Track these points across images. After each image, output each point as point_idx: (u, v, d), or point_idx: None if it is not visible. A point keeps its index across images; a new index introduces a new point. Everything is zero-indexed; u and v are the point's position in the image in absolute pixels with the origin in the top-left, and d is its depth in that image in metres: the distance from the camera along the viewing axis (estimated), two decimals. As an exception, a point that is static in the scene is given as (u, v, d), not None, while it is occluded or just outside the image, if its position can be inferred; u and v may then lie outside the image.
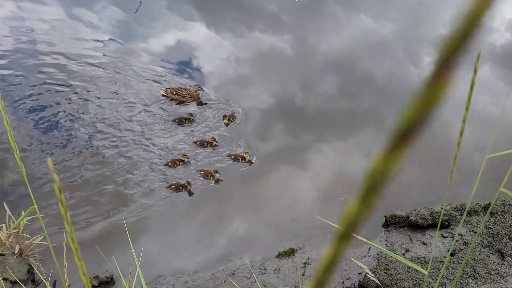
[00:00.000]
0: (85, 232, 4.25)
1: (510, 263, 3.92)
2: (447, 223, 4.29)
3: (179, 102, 6.01)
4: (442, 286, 3.75)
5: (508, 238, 4.06)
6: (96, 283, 3.81)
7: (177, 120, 5.71)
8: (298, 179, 5.03)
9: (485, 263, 3.89)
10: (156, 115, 5.80)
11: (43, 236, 3.63)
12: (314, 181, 5.03)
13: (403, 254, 4.07)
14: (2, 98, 1.31)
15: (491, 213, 4.30)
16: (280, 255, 4.17)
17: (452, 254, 4.04)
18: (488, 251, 4.01)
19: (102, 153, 5.09)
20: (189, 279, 3.96)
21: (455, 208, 4.35)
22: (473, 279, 3.81)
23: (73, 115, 5.55)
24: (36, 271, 3.52)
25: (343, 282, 3.95)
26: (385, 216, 4.42)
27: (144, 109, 5.85)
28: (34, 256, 3.67)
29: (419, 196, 4.85)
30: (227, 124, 5.72)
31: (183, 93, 6.00)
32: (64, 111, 5.58)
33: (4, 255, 3.58)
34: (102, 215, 4.41)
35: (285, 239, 4.32)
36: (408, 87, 7.44)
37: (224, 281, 3.94)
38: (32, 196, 1.70)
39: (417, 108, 0.24)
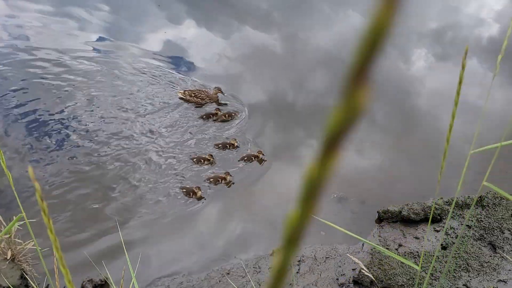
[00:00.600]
0: (80, 234, 4.21)
1: (502, 255, 3.97)
2: (439, 217, 4.33)
3: (198, 105, 5.97)
4: (435, 279, 3.79)
5: (500, 231, 4.11)
6: (90, 287, 3.78)
7: (204, 116, 5.75)
8: (291, 176, 5.04)
9: (477, 256, 3.94)
10: (168, 116, 5.78)
11: (33, 241, 3.59)
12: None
13: (396, 249, 4.10)
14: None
15: (483, 206, 4.34)
16: (274, 254, 4.17)
17: (444, 248, 4.08)
18: (480, 244, 4.06)
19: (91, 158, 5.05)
20: (184, 279, 3.95)
21: (446, 202, 4.39)
22: (465, 272, 3.86)
23: (68, 118, 5.50)
24: (28, 276, 3.48)
25: (337, 279, 3.96)
26: (378, 212, 4.44)
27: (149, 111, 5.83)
28: (27, 261, 3.63)
29: (412, 190, 4.89)
30: (222, 121, 5.74)
31: (202, 95, 5.98)
32: (60, 111, 5.53)
33: (-5, 261, 3.54)
34: (98, 218, 4.38)
35: (279, 237, 4.31)
36: (397, 82, 7.49)
37: (219, 281, 3.94)
38: (18, 201, 1.68)
39: (340, 117, 0.24)
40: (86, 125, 5.43)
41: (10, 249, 3.59)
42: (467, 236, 4.11)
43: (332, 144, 0.26)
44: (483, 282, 3.79)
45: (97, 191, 4.66)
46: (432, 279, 3.78)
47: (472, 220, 4.22)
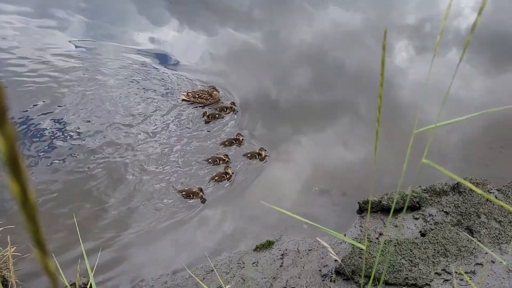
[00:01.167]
0: (69, 235, 4.22)
1: (479, 239, 4.06)
2: (418, 205, 4.41)
3: (203, 105, 6.02)
4: (415, 266, 3.86)
5: (476, 215, 4.20)
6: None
7: (218, 109, 5.82)
8: (273, 170, 5.09)
9: (455, 241, 4.02)
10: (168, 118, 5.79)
11: (15, 247, 3.60)
12: (289, 172, 5.10)
13: (377, 238, 4.17)
14: None
15: (460, 192, 4.43)
16: (257, 248, 4.22)
17: (423, 235, 4.16)
18: (457, 229, 4.14)
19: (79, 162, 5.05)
20: (168, 279, 3.97)
21: (425, 190, 4.48)
22: (444, 257, 3.94)
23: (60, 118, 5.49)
24: (9, 282, 3.48)
25: (320, 270, 4.02)
26: (358, 203, 4.51)
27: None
28: (7, 268, 3.63)
29: (393, 181, 4.96)
30: (207, 122, 5.78)
31: (205, 95, 6.02)
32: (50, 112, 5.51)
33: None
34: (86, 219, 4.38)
35: (262, 232, 4.37)
36: (378, 75, 7.58)
37: (204, 278, 3.97)
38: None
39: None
40: (75, 127, 5.43)
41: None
42: (445, 222, 4.20)
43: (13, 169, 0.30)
44: (461, 266, 3.88)
45: (89, 192, 4.67)
46: (412, 266, 3.85)
47: (449, 206, 4.31)
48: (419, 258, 3.91)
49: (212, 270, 4.05)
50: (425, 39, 8.79)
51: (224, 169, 4.93)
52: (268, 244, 4.25)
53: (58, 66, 6.47)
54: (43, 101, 5.78)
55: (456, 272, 3.86)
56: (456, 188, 4.47)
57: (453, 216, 4.24)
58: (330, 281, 3.92)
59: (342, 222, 4.40)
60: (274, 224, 4.42)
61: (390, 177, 5.03)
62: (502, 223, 4.11)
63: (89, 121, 5.58)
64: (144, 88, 6.31)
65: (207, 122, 5.78)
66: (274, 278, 3.99)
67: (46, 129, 5.37)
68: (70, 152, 5.11)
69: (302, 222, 4.48)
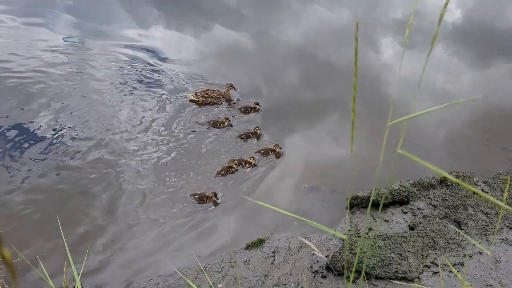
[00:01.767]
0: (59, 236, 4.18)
1: (466, 231, 4.13)
2: (406, 199, 4.46)
3: (211, 104, 6.00)
4: (404, 259, 3.91)
5: (463, 208, 4.26)
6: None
7: (242, 109, 5.85)
8: (262, 168, 5.09)
9: (443, 234, 4.07)
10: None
11: None
12: (279, 170, 5.11)
13: (367, 233, 4.20)
14: None
15: (447, 185, 4.49)
16: (249, 247, 4.23)
17: (412, 228, 4.21)
18: (445, 222, 4.20)
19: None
20: (160, 280, 3.96)
21: (413, 184, 4.53)
22: (433, 250, 3.99)
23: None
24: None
25: (311, 267, 4.05)
26: (347, 199, 4.54)
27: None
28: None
29: (381, 176, 5.01)
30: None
31: (215, 94, 5.99)
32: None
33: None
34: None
35: (253, 230, 4.38)
36: (368, 71, 7.63)
37: (195, 278, 3.97)
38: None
39: None
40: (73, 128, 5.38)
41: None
42: (433, 215, 4.25)
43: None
44: (450, 258, 3.94)
45: (84, 192, 4.62)
46: (401, 259, 3.89)
47: (437, 200, 4.37)
48: (408, 251, 3.96)
49: (204, 270, 4.05)
50: (411, 34, 8.86)
51: (249, 159, 5.01)
52: (259, 242, 4.26)
53: (47, 63, 6.45)
54: (32, 100, 5.71)
55: (445, 265, 3.91)
56: (444, 181, 4.53)
57: (441, 209, 4.29)
58: (321, 277, 3.95)
59: (332, 218, 4.43)
60: (265, 222, 4.44)
61: (379, 172, 5.07)
62: (488, 215, 4.18)
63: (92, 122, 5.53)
64: (147, 89, 6.26)
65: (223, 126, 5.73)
66: (265, 276, 4.01)
67: (39, 129, 5.31)
68: (61, 151, 5.06)
69: (293, 219, 4.51)
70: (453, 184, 4.44)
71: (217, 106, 6.05)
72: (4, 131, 5.27)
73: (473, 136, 5.74)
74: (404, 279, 3.82)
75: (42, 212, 4.42)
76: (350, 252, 3.99)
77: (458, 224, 4.19)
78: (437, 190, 4.49)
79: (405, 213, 4.38)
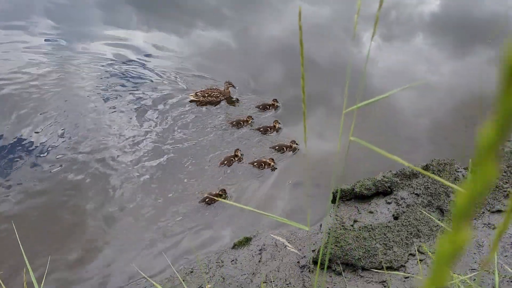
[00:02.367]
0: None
1: (449, 217, 4.18)
2: (389, 190, 4.50)
3: (212, 104, 6.01)
4: (389, 249, 3.94)
5: (446, 195, 4.31)
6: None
7: (260, 106, 5.85)
8: (245, 165, 5.10)
9: (426, 222, 4.12)
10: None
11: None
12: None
13: (352, 225, 4.23)
14: None
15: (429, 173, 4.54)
16: (235, 246, 4.23)
17: (396, 218, 4.25)
18: (429, 210, 4.25)
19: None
20: (147, 284, 3.95)
21: (395, 174, 4.57)
22: (417, 238, 4.03)
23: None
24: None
25: (298, 262, 4.06)
26: (332, 193, 4.57)
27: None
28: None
29: (364, 169, 5.05)
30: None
31: (215, 93, 5.99)
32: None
33: None
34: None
35: (239, 229, 4.38)
36: (352, 65, 7.67)
37: (183, 280, 3.96)
38: None
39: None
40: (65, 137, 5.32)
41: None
42: (416, 204, 4.30)
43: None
44: (434, 246, 3.98)
45: (78, 196, 4.58)
46: (386, 249, 3.93)
47: (420, 188, 4.42)
48: (393, 241, 4.00)
49: (191, 272, 4.04)
50: (391, 26, 8.94)
51: (268, 159, 5.00)
52: (246, 241, 4.27)
53: (28, 63, 6.41)
54: (10, 105, 5.64)
55: (429, 252, 3.95)
56: (425, 169, 4.58)
57: (424, 198, 4.34)
58: (309, 271, 3.96)
59: (317, 213, 4.46)
60: (251, 220, 4.44)
61: (361, 165, 5.11)
62: (470, 200, 4.24)
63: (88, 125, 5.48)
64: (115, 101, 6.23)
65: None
66: (253, 274, 4.01)
67: (25, 139, 5.25)
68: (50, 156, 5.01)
69: (278, 216, 4.53)
70: (435, 172, 4.49)
71: (217, 104, 6.08)
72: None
73: (454, 124, 5.81)
74: (390, 268, 3.85)
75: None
76: (336, 245, 4.01)
77: (441, 211, 4.24)
78: (420, 179, 4.54)
79: (389, 203, 4.42)
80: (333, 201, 4.57)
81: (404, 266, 3.86)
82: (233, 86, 6.06)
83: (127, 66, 6.81)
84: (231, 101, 6.13)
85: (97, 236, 4.32)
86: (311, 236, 4.29)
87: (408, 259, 3.90)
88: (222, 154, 5.29)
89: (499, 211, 4.17)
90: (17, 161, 5.03)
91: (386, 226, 4.11)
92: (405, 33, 8.79)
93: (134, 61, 6.92)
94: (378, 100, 1.43)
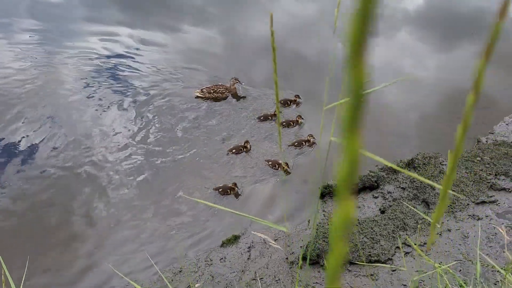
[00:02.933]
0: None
1: (434, 210, 4.23)
2: (376, 184, 4.54)
3: (217, 100, 5.97)
4: (377, 243, 3.98)
5: (431, 188, 4.37)
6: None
7: (282, 102, 5.84)
8: (233, 161, 5.10)
9: (412, 214, 4.17)
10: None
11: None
12: (250, 163, 5.12)
13: (339, 220, 4.26)
14: None
15: (414, 167, 4.59)
16: (224, 244, 4.23)
17: (383, 212, 4.29)
18: (414, 203, 4.29)
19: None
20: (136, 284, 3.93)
21: (381, 169, 4.61)
22: (403, 231, 4.08)
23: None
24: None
25: (287, 258, 4.08)
26: (319, 188, 4.59)
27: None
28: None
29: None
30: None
31: (221, 89, 5.99)
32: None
33: None
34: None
35: (227, 227, 4.38)
36: (338, 62, 7.71)
37: (172, 280, 3.95)
38: None
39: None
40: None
41: None
42: (402, 197, 4.34)
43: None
44: (420, 238, 4.03)
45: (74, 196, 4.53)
46: (374, 243, 3.97)
47: (405, 182, 4.46)
48: (380, 234, 4.04)
49: (180, 271, 4.03)
50: (375, 22, 8.99)
51: (283, 163, 5.00)
52: (234, 239, 4.27)
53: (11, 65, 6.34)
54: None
55: (416, 244, 4.00)
56: (411, 163, 4.63)
57: (409, 191, 4.38)
58: (298, 267, 3.98)
59: (304, 209, 4.48)
60: (239, 218, 4.45)
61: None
62: (455, 193, 4.29)
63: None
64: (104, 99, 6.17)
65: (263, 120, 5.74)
66: (242, 271, 4.02)
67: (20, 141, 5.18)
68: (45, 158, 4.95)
69: (267, 213, 4.54)
70: (420, 165, 4.54)
71: (223, 100, 6.10)
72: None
73: (439, 118, 5.87)
74: (377, 261, 3.89)
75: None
76: (324, 241, 4.04)
77: (426, 204, 4.29)
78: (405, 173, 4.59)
79: (376, 197, 4.46)
80: (321, 197, 4.59)
81: (391, 259, 3.90)
82: (239, 82, 6.06)
83: (115, 62, 6.77)
84: (237, 97, 6.14)
85: (83, 238, 4.29)
86: (299, 232, 4.31)
87: (395, 252, 3.95)
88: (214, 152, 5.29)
89: (483, 202, 4.23)
90: None
91: (373, 220, 4.15)
92: (390, 29, 8.85)
93: (122, 55, 6.88)
94: (386, 86, 1.44)
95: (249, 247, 4.21)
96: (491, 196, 4.23)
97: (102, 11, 8.42)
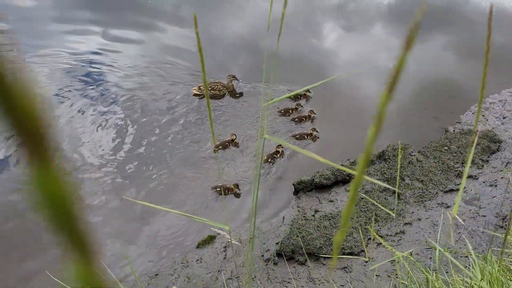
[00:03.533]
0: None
1: (405, 200, 4.32)
2: (348, 178, 4.60)
3: (215, 97, 5.94)
4: (349, 235, 4.05)
5: (401, 179, 4.45)
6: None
7: (292, 97, 5.85)
8: (207, 162, 5.11)
9: (384, 206, 4.25)
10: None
11: None
12: (223, 163, 5.14)
13: (313, 215, 4.32)
14: None
15: (385, 159, 4.67)
16: (200, 245, 4.25)
17: (355, 204, 4.36)
18: (385, 194, 4.38)
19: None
20: (112, 291, 3.92)
21: (352, 163, 4.68)
22: (375, 223, 4.15)
23: None
24: None
25: (262, 255, 4.12)
26: (293, 184, 4.64)
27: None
28: None
29: (326, 158, 5.14)
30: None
31: (218, 87, 5.94)
32: None
33: None
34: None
35: (203, 228, 4.40)
36: (313, 58, 7.77)
37: (148, 284, 3.95)
38: None
39: None
40: None
41: None
42: (374, 189, 4.42)
43: None
44: (392, 228, 4.11)
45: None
46: (346, 236, 4.03)
47: (377, 174, 4.54)
48: (352, 227, 4.10)
49: (156, 275, 4.03)
50: (350, 17, 9.10)
51: (274, 151, 5.07)
52: (210, 239, 4.29)
53: None
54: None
55: (387, 235, 4.08)
56: (382, 156, 4.71)
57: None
58: (273, 264, 4.03)
59: (279, 205, 4.52)
60: (214, 218, 4.46)
61: (322, 155, 5.19)
62: (424, 182, 4.39)
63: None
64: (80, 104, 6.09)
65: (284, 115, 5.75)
66: (219, 271, 4.04)
67: None
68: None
69: (242, 212, 4.57)
70: (390, 157, 4.63)
71: (221, 98, 6.09)
72: None
73: (411, 109, 5.98)
74: (350, 254, 3.96)
75: None
76: (298, 236, 4.09)
77: (397, 194, 4.38)
78: (376, 165, 4.66)
79: (348, 191, 4.52)
80: (295, 193, 4.64)
81: (364, 251, 3.97)
82: (236, 79, 6.05)
83: (88, 60, 6.70)
84: (234, 95, 6.13)
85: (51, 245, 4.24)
86: (274, 229, 4.35)
87: (367, 243, 4.02)
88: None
89: (451, 190, 4.34)
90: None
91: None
92: (364, 23, 8.96)
93: (96, 53, 6.83)
94: (297, 93, 1.47)
95: (225, 247, 4.23)
96: (458, 184, 4.34)
97: (75, 12, 8.31)
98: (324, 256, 3.90)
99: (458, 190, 4.33)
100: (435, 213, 4.20)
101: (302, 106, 5.81)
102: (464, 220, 4.12)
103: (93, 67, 6.61)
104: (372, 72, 7.30)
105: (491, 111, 5.37)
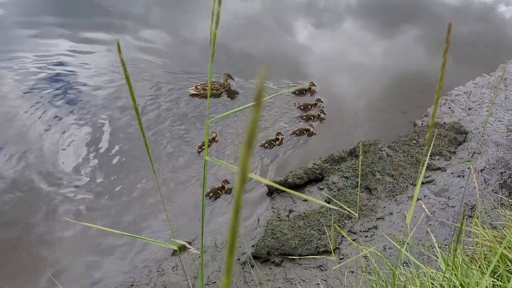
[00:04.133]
0: None
1: (376, 195, 4.38)
2: (321, 176, 4.64)
3: (212, 96, 5.94)
4: (323, 234, 4.08)
5: (372, 174, 4.52)
6: None
7: (297, 92, 5.86)
8: (186, 167, 5.07)
9: (356, 202, 4.30)
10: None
11: None
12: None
13: (287, 216, 4.33)
14: None
15: (356, 156, 4.73)
16: (175, 252, 4.21)
17: (329, 202, 4.40)
18: (357, 191, 4.43)
19: None
20: (86, 305, 3.84)
21: (325, 161, 4.72)
22: (348, 220, 4.20)
23: None
24: None
25: (239, 259, 4.11)
26: (266, 186, 4.65)
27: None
28: None
29: (298, 158, 5.17)
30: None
31: (215, 86, 5.94)
32: None
33: None
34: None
35: (176, 235, 4.36)
36: (287, 56, 7.78)
37: (124, 296, 3.89)
38: None
39: None
40: None
41: None
42: (346, 186, 4.47)
43: None
44: (365, 224, 4.17)
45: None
46: (321, 234, 4.06)
47: (348, 171, 4.59)
48: (326, 225, 4.14)
49: (131, 285, 3.98)
50: (320, 15, 9.16)
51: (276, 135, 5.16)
52: (185, 246, 4.25)
53: None
54: None
55: (360, 231, 4.14)
56: (353, 152, 4.76)
57: (352, 180, 4.52)
58: (250, 266, 4.02)
59: (253, 207, 4.52)
60: (188, 224, 4.43)
61: (297, 155, 5.23)
62: (394, 177, 4.46)
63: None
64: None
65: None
66: (195, 277, 4.01)
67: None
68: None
69: (214, 215, 4.55)
70: (362, 153, 4.68)
71: (218, 97, 6.08)
72: None
73: (379, 105, 6.06)
74: (325, 252, 3.99)
75: None
76: (272, 237, 4.10)
77: (369, 190, 4.44)
78: (348, 162, 4.71)
79: (321, 189, 4.56)
80: (269, 194, 4.65)
81: (338, 248, 4.02)
82: (231, 78, 6.05)
83: (60, 68, 6.58)
84: (231, 93, 6.14)
85: (37, 262, 4.13)
86: (250, 232, 4.35)
87: (341, 241, 4.07)
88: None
89: (421, 183, 4.42)
90: None
91: (319, 212, 4.25)
92: (335, 20, 9.04)
93: (65, 55, 6.72)
94: (237, 111, 1.45)
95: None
96: (427, 177, 4.43)
97: (40, 19, 8.08)
98: (300, 255, 3.93)
99: (427, 182, 4.43)
100: (406, 206, 4.27)
101: (322, 102, 5.86)
102: (434, 212, 4.21)
103: (62, 69, 6.48)
104: (344, 68, 7.37)
105: (457, 103, 5.50)
